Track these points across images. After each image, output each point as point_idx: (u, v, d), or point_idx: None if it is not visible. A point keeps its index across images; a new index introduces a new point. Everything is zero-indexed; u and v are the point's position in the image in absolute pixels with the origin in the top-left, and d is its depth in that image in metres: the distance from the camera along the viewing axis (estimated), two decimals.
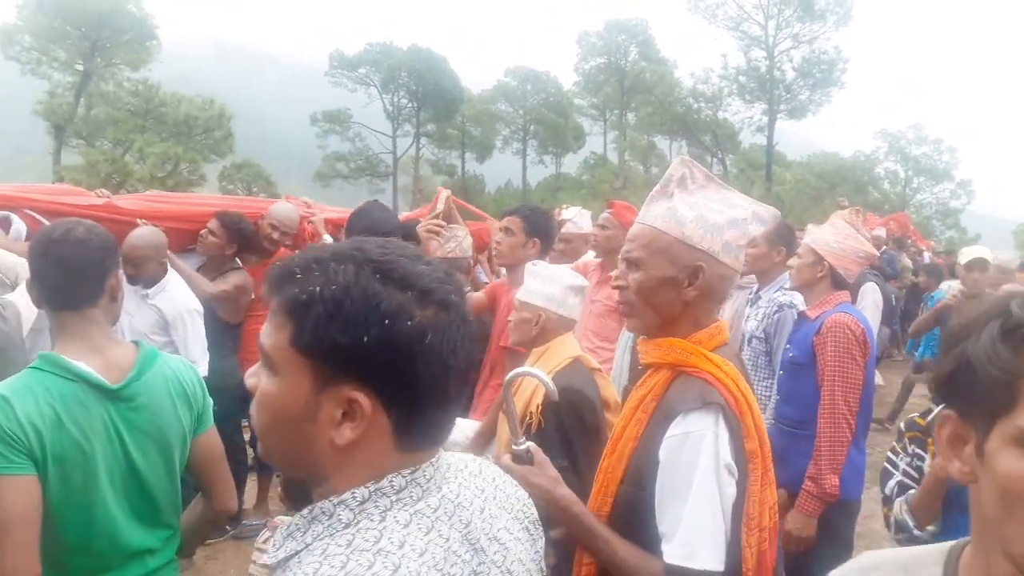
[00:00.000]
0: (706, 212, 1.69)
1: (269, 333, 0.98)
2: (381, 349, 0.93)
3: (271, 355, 0.97)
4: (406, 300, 0.95)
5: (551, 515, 1.66)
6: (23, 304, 3.10)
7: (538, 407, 2.53)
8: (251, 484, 5.25)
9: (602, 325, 4.12)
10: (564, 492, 1.70)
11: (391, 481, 0.98)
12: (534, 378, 1.99)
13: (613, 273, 1.92)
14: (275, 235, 4.83)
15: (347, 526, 0.96)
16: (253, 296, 4.77)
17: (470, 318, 1.04)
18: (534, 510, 1.24)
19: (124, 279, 3.45)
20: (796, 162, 51.87)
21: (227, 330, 4.76)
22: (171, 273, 4.21)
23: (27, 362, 2.01)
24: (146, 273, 4.07)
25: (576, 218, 5.12)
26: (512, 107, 56.68)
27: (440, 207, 4.58)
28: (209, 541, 4.64)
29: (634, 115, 55.04)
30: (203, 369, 3.97)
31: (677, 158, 1.82)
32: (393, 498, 0.98)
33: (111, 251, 2.11)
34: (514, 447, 1.77)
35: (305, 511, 0.99)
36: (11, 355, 2.84)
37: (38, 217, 4.03)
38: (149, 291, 4.11)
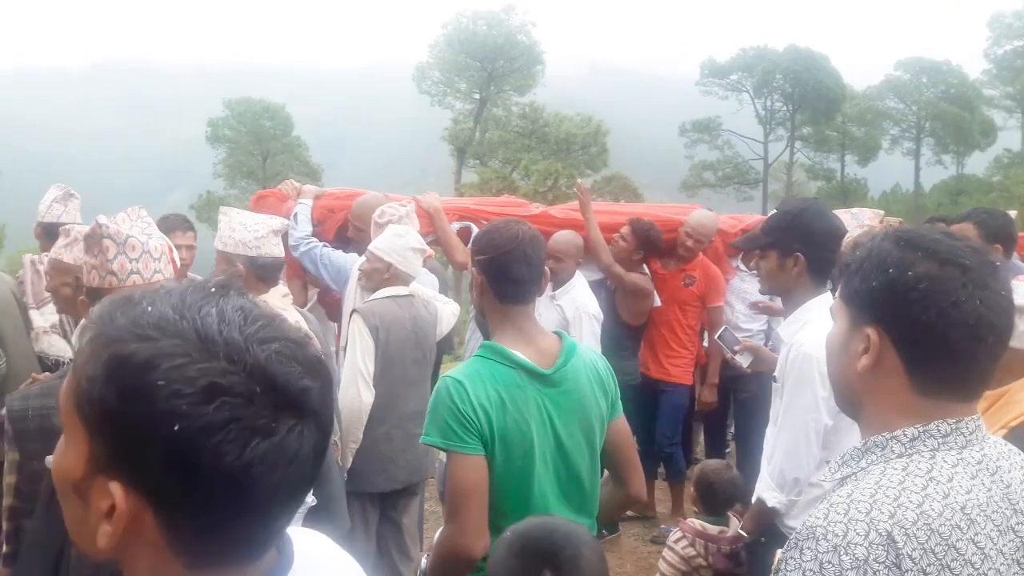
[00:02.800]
0: None
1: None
2: (883, 293, 1.18)
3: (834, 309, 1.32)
4: (908, 254, 1.17)
5: None
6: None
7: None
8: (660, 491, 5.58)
9: None
10: None
11: (938, 426, 1.17)
12: None
13: None
14: (689, 243, 4.98)
15: (899, 456, 1.17)
16: (657, 303, 5.05)
17: (993, 285, 1.16)
18: None
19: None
20: None
21: (629, 332, 5.05)
22: (577, 276, 4.56)
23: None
24: (563, 271, 4.44)
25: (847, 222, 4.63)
26: (903, 103, 51.24)
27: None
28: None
29: None
30: None
31: None
32: (940, 440, 1.16)
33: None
34: None
35: (858, 444, 1.22)
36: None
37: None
38: (556, 292, 4.49)
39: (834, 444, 2.57)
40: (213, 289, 0.78)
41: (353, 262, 4.06)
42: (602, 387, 2.31)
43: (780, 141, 51.82)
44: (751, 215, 6.24)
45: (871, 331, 1.20)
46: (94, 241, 2.06)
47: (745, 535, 2.83)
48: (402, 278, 3.67)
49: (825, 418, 2.53)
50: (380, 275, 3.65)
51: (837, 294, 1.32)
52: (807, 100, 49.02)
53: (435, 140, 47.20)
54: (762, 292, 2.97)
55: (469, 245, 4.26)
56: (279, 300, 3.26)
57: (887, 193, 49.94)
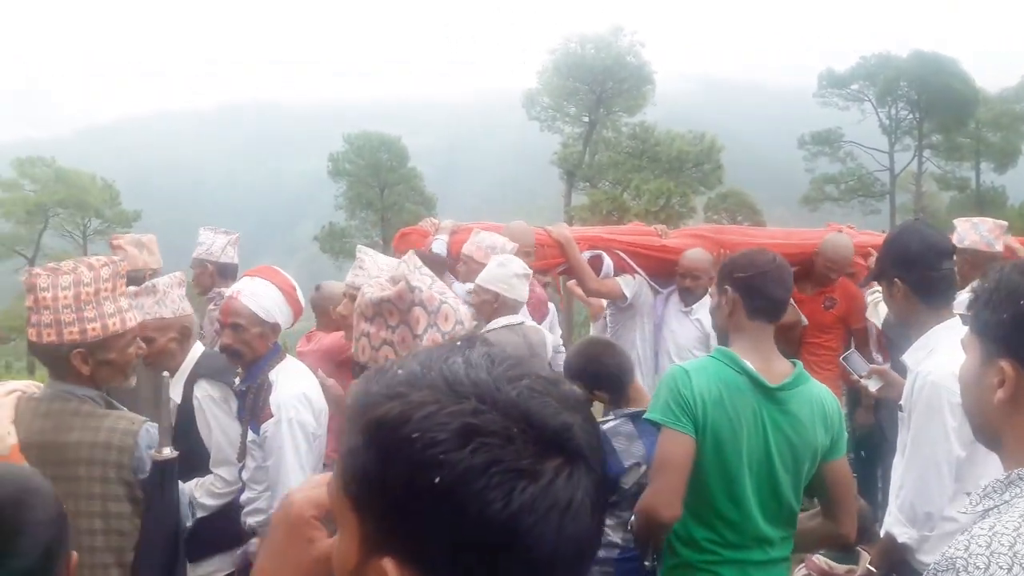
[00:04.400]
0: None
1: None
2: (1014, 325, 1.20)
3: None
4: None
5: None
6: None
7: None
8: None
9: None
10: None
11: None
12: None
13: None
14: (827, 272, 4.91)
15: None
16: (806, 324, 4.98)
17: None
18: None
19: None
20: None
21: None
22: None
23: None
24: (699, 287, 4.61)
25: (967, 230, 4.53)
26: None
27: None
28: None
29: None
30: None
31: None
32: None
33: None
34: None
35: (1002, 476, 1.22)
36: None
37: (622, 255, 4.75)
38: (693, 307, 4.66)
39: (968, 475, 2.47)
40: (459, 343, 0.78)
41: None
42: (824, 423, 2.40)
43: (907, 151, 49.23)
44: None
45: (1005, 364, 1.20)
46: (393, 308, 1.81)
47: (874, 571, 2.76)
48: (510, 306, 3.77)
49: (957, 449, 2.46)
50: (489, 306, 3.77)
51: (968, 326, 1.32)
52: (935, 107, 46.38)
53: (544, 165, 47.56)
54: (894, 322, 2.91)
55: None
56: None
57: None
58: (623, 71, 44.45)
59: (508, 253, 4.04)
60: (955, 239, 4.33)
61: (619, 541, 2.71)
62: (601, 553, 2.47)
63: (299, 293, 3.06)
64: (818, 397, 2.40)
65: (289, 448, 2.75)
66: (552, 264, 4.66)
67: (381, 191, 47.68)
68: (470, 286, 3.92)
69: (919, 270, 2.59)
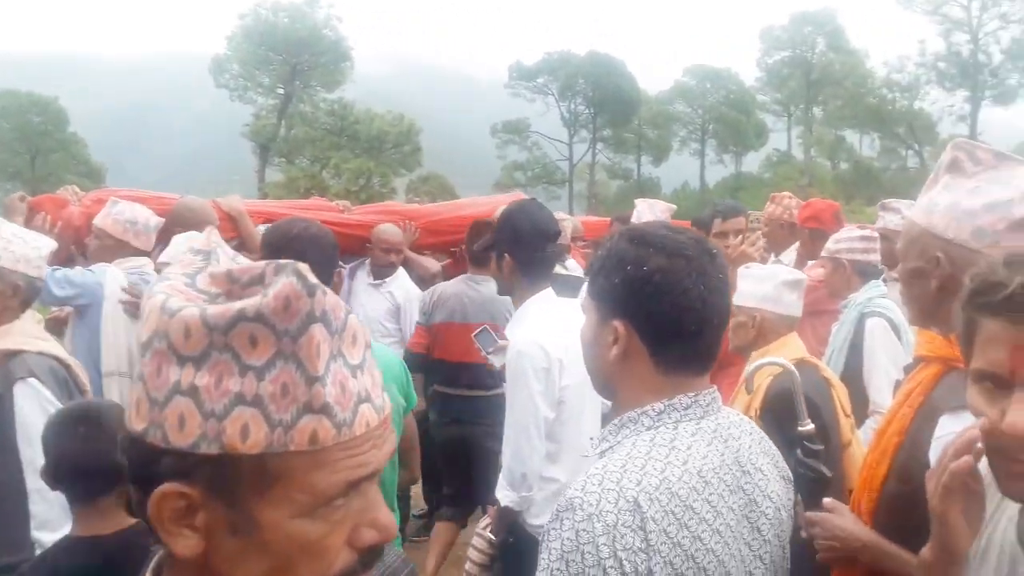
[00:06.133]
0: (962, 197, 1.55)
1: None
2: (624, 289, 1.30)
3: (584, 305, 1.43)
4: (641, 251, 1.29)
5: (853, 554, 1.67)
6: None
7: (756, 411, 2.41)
8: None
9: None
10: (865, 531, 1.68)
11: (680, 400, 1.31)
12: (776, 366, 2.14)
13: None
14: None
15: (648, 429, 1.30)
16: None
17: (711, 271, 1.29)
18: (787, 466, 1.48)
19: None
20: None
21: None
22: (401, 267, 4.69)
23: None
24: (396, 261, 4.59)
25: (642, 208, 5.08)
26: (690, 107, 55.50)
27: None
28: (415, 539, 4.89)
29: (821, 109, 52.20)
30: None
31: (951, 142, 1.67)
32: (681, 412, 1.31)
33: (336, 248, 2.33)
34: (800, 428, 1.89)
35: (616, 420, 1.34)
36: None
37: None
38: (386, 280, 4.62)
39: (560, 434, 2.67)
40: None
41: (103, 278, 3.46)
42: (398, 383, 2.51)
43: (584, 143, 54.37)
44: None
45: (618, 324, 1.31)
46: (267, 333, 1.54)
47: (491, 536, 2.83)
48: None
49: (545, 411, 2.60)
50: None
51: (586, 292, 1.42)
52: (607, 104, 51.84)
53: (235, 137, 45.12)
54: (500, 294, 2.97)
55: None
56: (33, 326, 2.67)
57: (677, 190, 53.72)
58: (320, 44, 43.55)
59: (153, 230, 3.59)
60: (634, 216, 4.89)
61: None
62: None
63: None
64: (384, 359, 2.39)
65: None
66: (224, 239, 4.34)
67: (32, 159, 41.90)
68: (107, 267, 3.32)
69: (527, 250, 2.69)
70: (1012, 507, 1.19)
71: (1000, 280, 1.04)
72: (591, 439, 1.42)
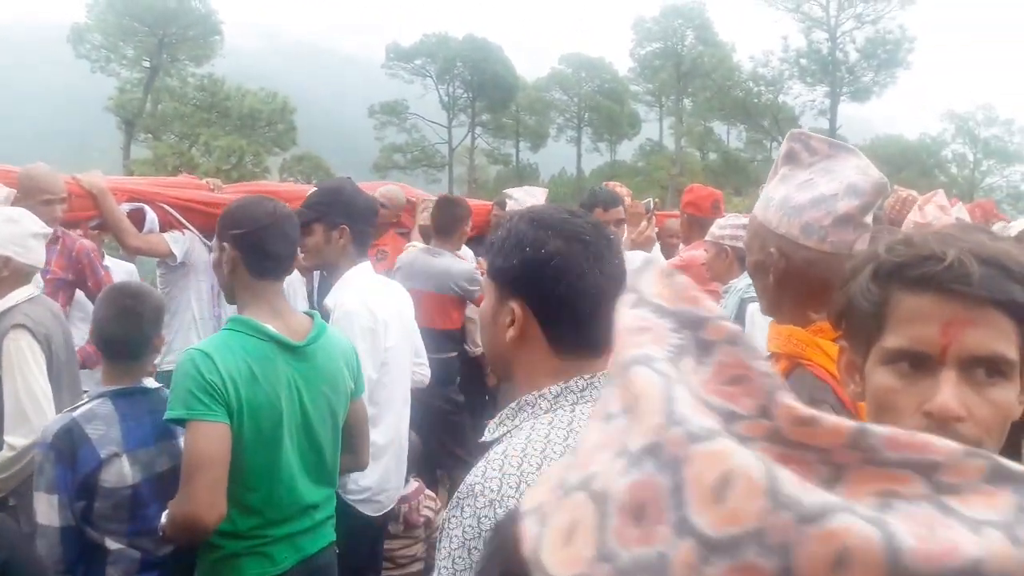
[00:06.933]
0: (793, 191, 1.59)
1: None
2: (522, 270, 1.30)
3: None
4: (540, 234, 1.30)
5: None
6: None
7: None
8: None
9: None
10: None
11: (576, 382, 1.29)
12: None
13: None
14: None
15: (546, 412, 1.28)
16: None
17: (608, 256, 1.31)
18: None
19: None
20: (859, 145, 48.73)
21: None
22: None
23: None
24: None
25: (520, 195, 5.24)
26: (567, 95, 56.42)
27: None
28: None
29: (691, 101, 54.18)
30: None
31: (788, 132, 1.71)
32: (578, 395, 1.29)
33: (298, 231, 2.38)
34: None
35: (513, 404, 1.32)
36: None
37: (169, 210, 4.20)
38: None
39: (382, 400, 2.80)
40: None
41: None
42: (348, 366, 2.39)
43: (463, 127, 54.39)
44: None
45: (515, 305, 1.31)
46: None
47: None
48: (25, 273, 2.91)
49: (370, 371, 2.67)
50: None
51: (486, 271, 1.42)
52: (485, 89, 52.02)
53: (98, 111, 42.47)
54: (306, 266, 2.95)
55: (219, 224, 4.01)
56: None
57: (555, 177, 54.78)
58: (188, 16, 41.59)
59: (2, 203, 3.25)
60: (511, 204, 4.95)
61: (132, 551, 2.19)
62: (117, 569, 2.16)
63: None
64: (338, 342, 2.39)
65: None
66: (83, 217, 4.06)
67: None
68: None
69: (363, 223, 2.83)
70: None
71: (933, 253, 0.98)
72: (487, 423, 1.37)
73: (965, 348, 0.97)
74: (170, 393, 2.06)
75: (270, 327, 2.15)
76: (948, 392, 0.96)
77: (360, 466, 2.60)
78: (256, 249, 2.17)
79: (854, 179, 1.55)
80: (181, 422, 2.04)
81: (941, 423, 0.96)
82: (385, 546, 3.34)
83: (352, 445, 2.49)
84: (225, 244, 2.19)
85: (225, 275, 2.22)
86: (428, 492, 3.74)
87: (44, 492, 2.09)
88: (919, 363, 1.00)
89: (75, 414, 2.20)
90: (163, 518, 2.10)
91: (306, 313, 2.37)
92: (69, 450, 2.12)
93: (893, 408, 1.01)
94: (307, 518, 2.26)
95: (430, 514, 3.60)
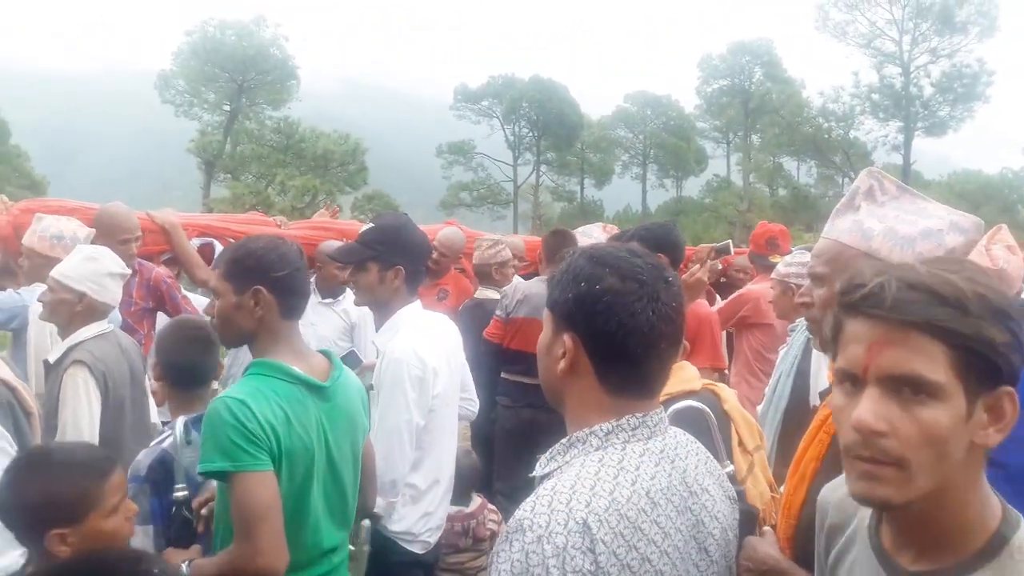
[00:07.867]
0: (896, 224, 1.61)
1: None
2: (576, 304, 1.31)
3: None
4: (597, 270, 1.31)
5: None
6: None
7: None
8: None
9: None
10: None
11: (628, 420, 1.31)
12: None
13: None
14: (436, 256, 4.97)
15: (597, 449, 1.29)
16: None
17: (664, 298, 1.31)
18: (731, 487, 1.50)
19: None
20: (935, 181, 49.08)
21: None
22: None
23: None
24: (339, 280, 4.46)
25: (592, 231, 5.25)
26: (631, 132, 56.54)
27: None
28: None
29: (759, 137, 53.63)
30: None
31: (864, 170, 1.75)
32: (629, 433, 1.30)
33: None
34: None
35: (564, 440, 1.33)
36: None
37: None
38: (335, 299, 4.57)
39: (427, 444, 2.75)
40: None
41: (27, 299, 3.52)
42: (363, 403, 2.36)
43: (527, 165, 54.95)
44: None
45: (568, 338, 1.32)
46: None
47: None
48: (100, 310, 3.05)
49: (417, 418, 2.65)
50: (70, 308, 2.98)
51: (546, 303, 1.41)
52: (550, 127, 52.54)
53: (181, 152, 44.51)
54: (357, 304, 2.98)
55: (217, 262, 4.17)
56: None
57: (620, 213, 54.56)
58: (266, 63, 43.38)
59: (83, 242, 3.46)
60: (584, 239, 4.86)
61: None
62: None
63: None
64: (353, 380, 2.35)
65: None
66: (155, 251, 4.24)
67: None
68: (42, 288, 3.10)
69: (417, 263, 2.82)
70: (867, 517, 1.21)
71: (862, 281, 1.06)
72: (537, 458, 1.36)
73: (882, 367, 1.02)
74: (203, 443, 1.96)
75: (297, 368, 2.10)
76: (864, 407, 1.03)
77: (365, 508, 2.52)
78: (292, 291, 2.15)
79: (954, 217, 1.63)
80: (223, 475, 1.93)
81: (866, 437, 1.02)
82: (454, 559, 3.63)
83: (360, 486, 2.40)
84: (261, 288, 2.09)
85: (254, 320, 2.11)
86: (491, 507, 3.95)
87: (139, 524, 2.13)
88: (854, 382, 1.06)
89: (164, 445, 2.31)
90: (184, 568, 1.98)
91: (321, 352, 2.31)
92: (164, 480, 2.25)
93: (840, 424, 1.08)
94: (327, 562, 2.21)
95: (495, 527, 3.83)
